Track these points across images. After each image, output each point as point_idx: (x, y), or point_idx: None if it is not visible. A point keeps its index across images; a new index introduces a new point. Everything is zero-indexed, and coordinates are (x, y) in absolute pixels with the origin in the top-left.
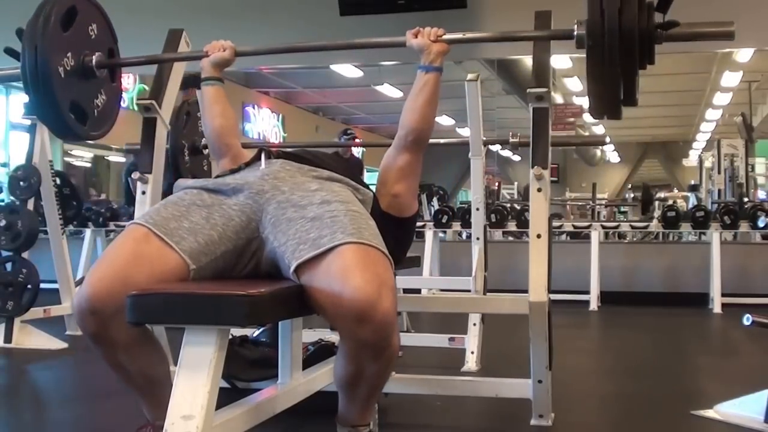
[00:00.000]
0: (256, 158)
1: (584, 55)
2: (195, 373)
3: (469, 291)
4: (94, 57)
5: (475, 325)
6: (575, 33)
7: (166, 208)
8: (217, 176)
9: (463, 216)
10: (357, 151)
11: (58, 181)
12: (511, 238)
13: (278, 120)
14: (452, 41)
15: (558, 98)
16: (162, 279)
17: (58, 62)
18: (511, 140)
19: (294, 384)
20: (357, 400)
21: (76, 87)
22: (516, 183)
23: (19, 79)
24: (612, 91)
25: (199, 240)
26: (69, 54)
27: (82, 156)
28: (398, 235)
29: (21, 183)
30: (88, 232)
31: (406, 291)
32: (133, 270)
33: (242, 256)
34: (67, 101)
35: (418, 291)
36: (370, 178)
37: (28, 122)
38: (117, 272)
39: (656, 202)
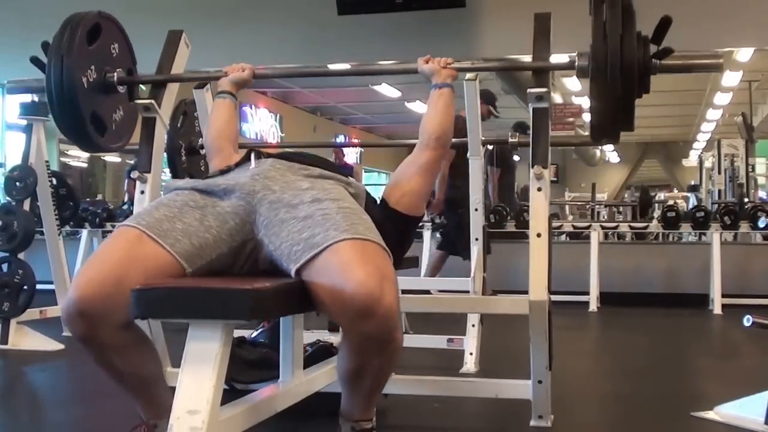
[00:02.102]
0: (246, 158)
1: None
2: (200, 367)
3: (467, 292)
4: (115, 73)
5: (474, 326)
6: (576, 64)
7: (158, 209)
8: (207, 177)
9: None
10: (355, 153)
11: (54, 181)
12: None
13: (276, 120)
14: (461, 69)
15: (557, 98)
16: (158, 274)
17: (83, 73)
18: (510, 140)
19: (296, 383)
20: (360, 395)
21: (97, 99)
22: (516, 183)
23: (42, 90)
24: (611, 118)
25: (194, 242)
26: (92, 67)
27: (78, 156)
28: (400, 234)
29: (17, 183)
30: (84, 233)
31: (404, 292)
32: (126, 271)
33: (238, 257)
34: (89, 111)
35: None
36: (367, 179)
37: (24, 122)
38: (110, 273)
39: (656, 204)
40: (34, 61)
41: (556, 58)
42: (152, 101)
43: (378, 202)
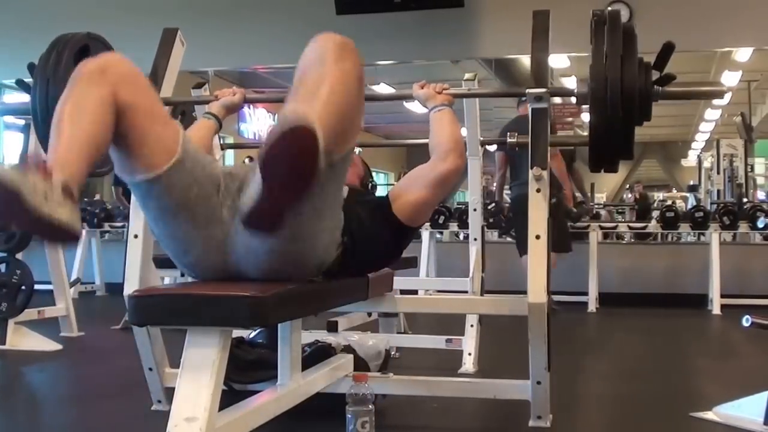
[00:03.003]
0: None
1: (583, 55)
2: (198, 374)
3: (466, 292)
4: None
5: (472, 326)
6: (576, 91)
7: None
8: None
9: (461, 216)
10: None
11: None
12: (509, 239)
13: (274, 120)
14: (456, 96)
15: (556, 98)
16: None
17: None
18: (508, 140)
19: (294, 386)
20: (316, 100)
21: None
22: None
23: (27, 113)
24: (610, 147)
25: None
26: None
27: None
28: (396, 240)
29: None
30: (82, 233)
31: (403, 292)
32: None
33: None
34: None
35: (415, 292)
36: None
37: (21, 122)
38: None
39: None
40: (20, 83)
41: (555, 57)
42: None
43: (382, 200)
